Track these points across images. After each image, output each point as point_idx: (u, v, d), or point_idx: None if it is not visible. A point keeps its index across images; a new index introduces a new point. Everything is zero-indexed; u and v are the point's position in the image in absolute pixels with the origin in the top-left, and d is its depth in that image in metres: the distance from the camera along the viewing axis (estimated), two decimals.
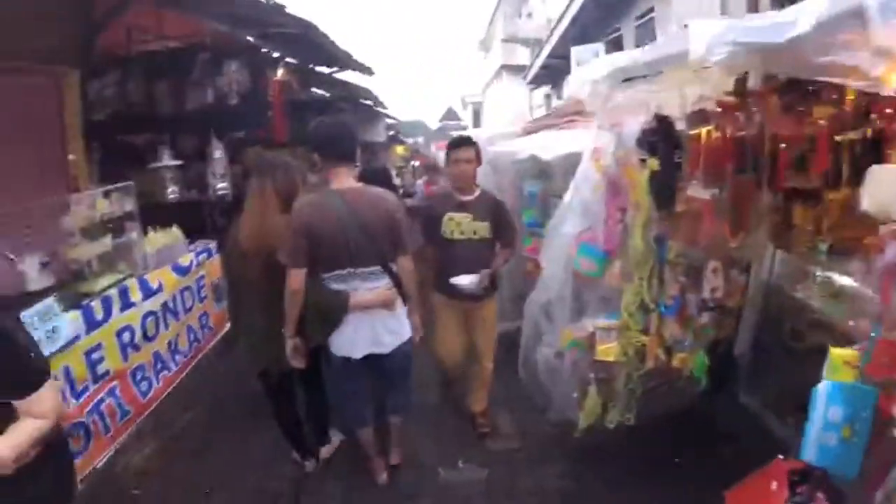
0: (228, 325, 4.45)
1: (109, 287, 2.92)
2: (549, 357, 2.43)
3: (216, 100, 4.38)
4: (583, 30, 9.52)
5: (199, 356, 3.81)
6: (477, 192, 2.77)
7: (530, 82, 14.70)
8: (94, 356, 2.73)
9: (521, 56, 17.49)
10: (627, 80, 1.95)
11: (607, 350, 2.28)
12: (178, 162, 4.29)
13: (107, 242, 2.97)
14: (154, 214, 3.80)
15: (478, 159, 2.77)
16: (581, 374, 2.38)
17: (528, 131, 4.33)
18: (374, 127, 10.03)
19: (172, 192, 4.26)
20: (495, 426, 3.03)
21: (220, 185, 4.53)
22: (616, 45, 8.58)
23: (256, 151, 7.07)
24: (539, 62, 12.51)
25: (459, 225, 2.68)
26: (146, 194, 4.19)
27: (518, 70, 16.95)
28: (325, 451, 2.74)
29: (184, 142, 4.91)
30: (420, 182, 8.03)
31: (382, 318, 2.15)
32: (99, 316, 2.77)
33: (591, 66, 2.17)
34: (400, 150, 15.31)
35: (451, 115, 21.64)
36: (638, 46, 3.06)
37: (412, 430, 2.84)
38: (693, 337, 2.39)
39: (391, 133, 13.14)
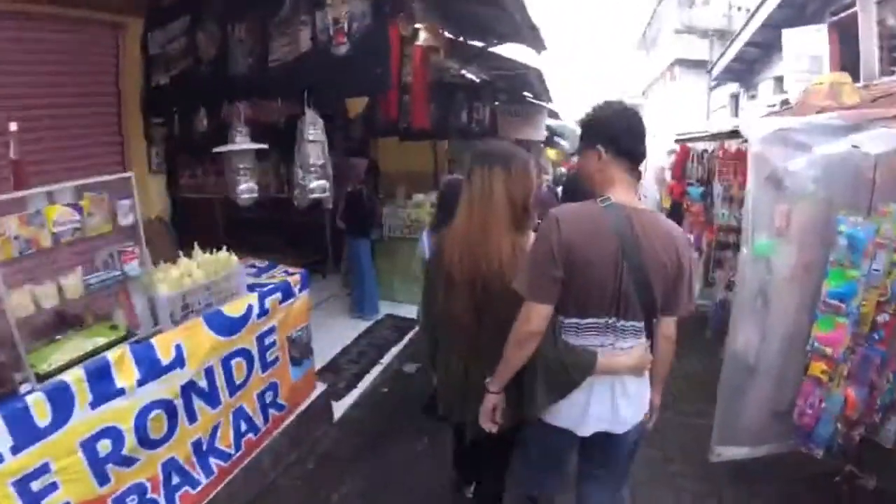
0: (317, 391, 2.93)
1: (72, 364, 1.64)
2: None
3: (314, 49, 2.66)
4: (798, 10, 7.16)
5: (255, 451, 2.39)
6: None
7: (714, 79, 12.77)
8: (33, 486, 1.48)
9: (698, 49, 15.13)
10: None
11: None
12: (259, 145, 2.92)
13: (73, 284, 1.62)
14: (215, 224, 2.45)
15: None
16: None
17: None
18: (534, 121, 7.67)
19: (247, 191, 2.89)
20: None
21: (313, 184, 2.83)
22: (844, 29, 5.96)
23: (395, 145, 5.40)
24: (731, 54, 10.10)
25: None
26: (208, 189, 2.92)
27: (695, 65, 14.61)
28: None
29: (267, 114, 3.53)
30: None
31: (625, 383, 1.47)
32: (42, 420, 1.50)
33: None
34: (552, 154, 12.63)
35: None
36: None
37: None
38: None
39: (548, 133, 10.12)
